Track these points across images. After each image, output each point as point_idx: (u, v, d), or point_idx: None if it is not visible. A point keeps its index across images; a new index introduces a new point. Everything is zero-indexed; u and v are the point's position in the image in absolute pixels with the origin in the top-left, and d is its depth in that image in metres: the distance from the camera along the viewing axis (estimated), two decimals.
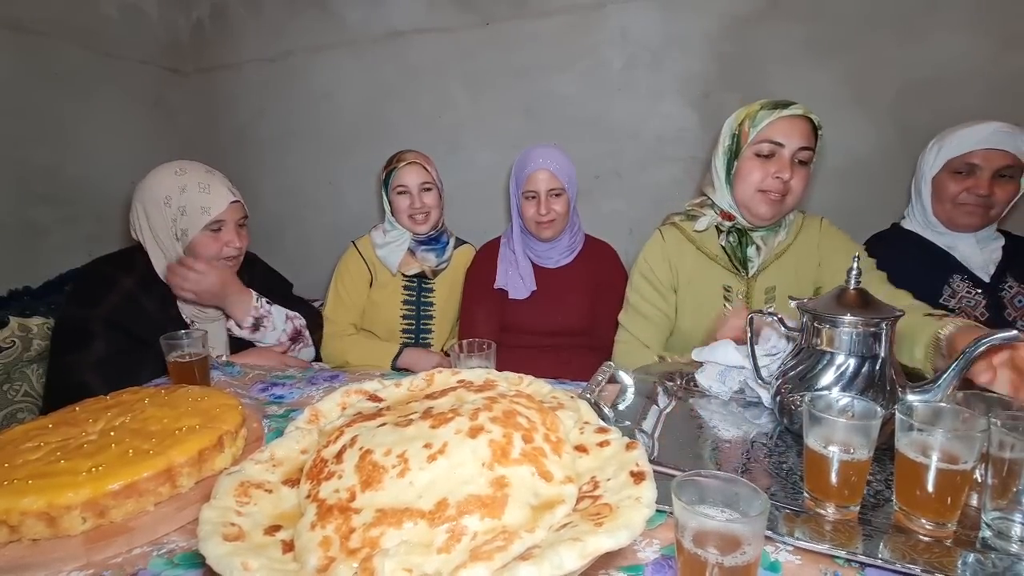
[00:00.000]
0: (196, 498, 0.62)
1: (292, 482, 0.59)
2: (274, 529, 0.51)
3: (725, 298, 1.19)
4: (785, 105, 1.11)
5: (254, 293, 1.26)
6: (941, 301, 1.19)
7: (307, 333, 1.38)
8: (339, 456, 0.56)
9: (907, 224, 1.34)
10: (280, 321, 1.29)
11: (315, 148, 2.32)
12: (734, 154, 1.16)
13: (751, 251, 1.17)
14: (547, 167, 1.47)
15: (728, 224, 1.19)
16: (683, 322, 1.25)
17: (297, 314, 1.36)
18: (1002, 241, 1.23)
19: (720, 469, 0.68)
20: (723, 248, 1.20)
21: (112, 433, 0.67)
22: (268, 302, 1.29)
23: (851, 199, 1.78)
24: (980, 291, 1.18)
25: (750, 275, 1.18)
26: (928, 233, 1.28)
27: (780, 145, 1.10)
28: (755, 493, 0.43)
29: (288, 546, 0.49)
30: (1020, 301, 1.17)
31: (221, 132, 2.42)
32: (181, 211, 1.17)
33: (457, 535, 0.47)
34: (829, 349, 0.72)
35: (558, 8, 1.94)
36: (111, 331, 1.12)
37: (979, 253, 1.20)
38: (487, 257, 1.64)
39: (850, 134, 1.75)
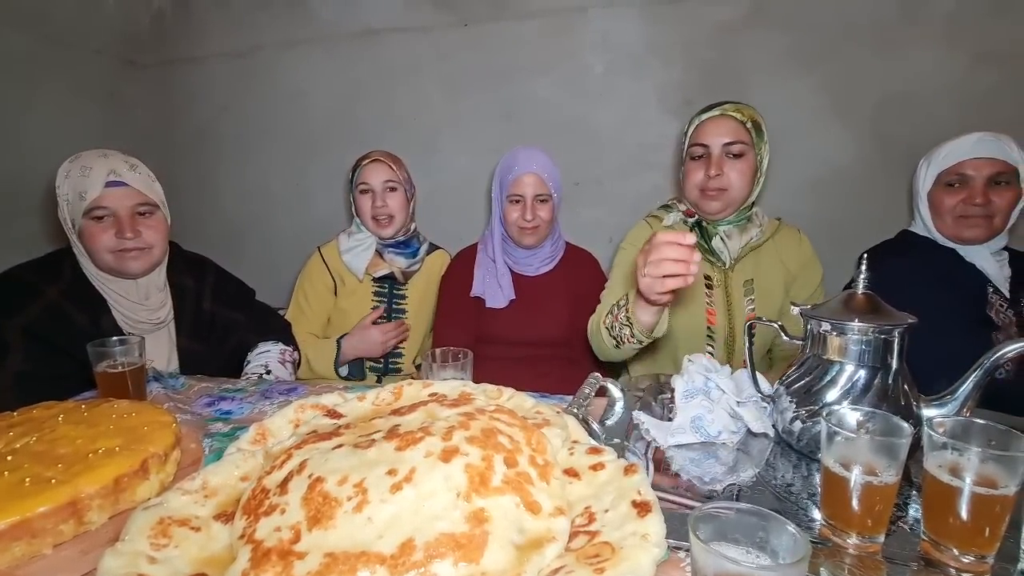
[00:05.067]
0: (109, 537, 0.51)
1: (226, 517, 0.49)
2: None
3: (707, 286, 1.24)
4: (714, 107, 1.20)
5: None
6: (988, 312, 1.14)
7: (298, 356, 1.37)
8: (284, 485, 0.47)
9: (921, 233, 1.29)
10: (277, 368, 1.25)
11: (283, 148, 2.21)
12: (681, 158, 1.27)
13: (716, 243, 1.22)
14: (535, 171, 1.40)
15: (691, 220, 1.27)
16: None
17: (290, 348, 1.33)
18: (1008, 256, 1.20)
19: (719, 493, 0.61)
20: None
21: (9, 458, 0.56)
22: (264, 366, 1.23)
23: (829, 210, 1.77)
24: (1010, 307, 1.15)
25: (727, 266, 1.23)
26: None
27: (706, 147, 1.18)
28: (789, 532, 0.35)
29: None
30: None
31: (181, 129, 2.29)
32: (67, 200, 1.06)
33: None
34: (838, 359, 0.66)
35: (538, 10, 1.89)
36: (31, 344, 0.98)
37: (996, 266, 1.17)
38: (463, 264, 1.56)
39: (829, 145, 1.75)
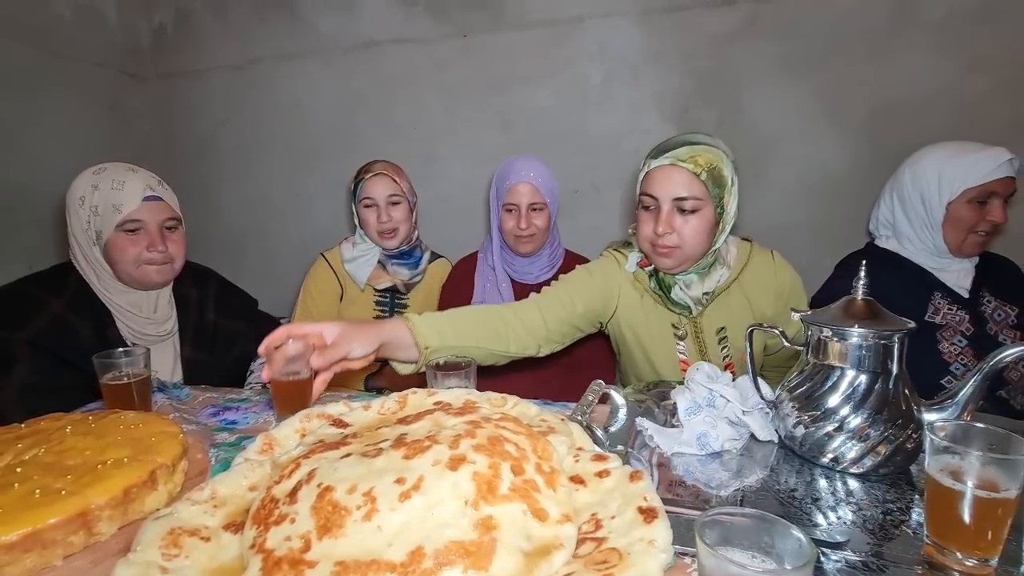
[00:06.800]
0: (119, 548, 0.52)
1: (236, 527, 0.49)
2: None
3: (675, 336, 1.11)
4: (662, 152, 1.02)
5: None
6: (926, 318, 1.16)
7: None
8: (293, 494, 0.47)
9: (883, 244, 1.30)
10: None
11: (282, 158, 2.22)
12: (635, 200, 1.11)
13: (676, 293, 1.09)
14: (529, 180, 1.42)
15: (646, 270, 1.12)
16: (638, 369, 1.18)
17: None
18: (976, 259, 1.22)
19: (722, 499, 0.62)
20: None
21: (19, 469, 0.56)
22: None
23: (823, 215, 1.79)
24: (961, 307, 1.17)
25: (693, 315, 1.10)
26: (908, 252, 1.25)
27: (655, 198, 1.02)
28: (795, 537, 0.36)
29: None
30: (999, 315, 1.16)
31: (181, 140, 2.30)
32: (94, 211, 1.07)
33: None
34: (838, 364, 0.67)
35: (536, 21, 1.92)
36: (37, 356, 0.99)
37: (959, 272, 1.19)
38: (464, 272, 1.57)
39: (823, 151, 1.76)
